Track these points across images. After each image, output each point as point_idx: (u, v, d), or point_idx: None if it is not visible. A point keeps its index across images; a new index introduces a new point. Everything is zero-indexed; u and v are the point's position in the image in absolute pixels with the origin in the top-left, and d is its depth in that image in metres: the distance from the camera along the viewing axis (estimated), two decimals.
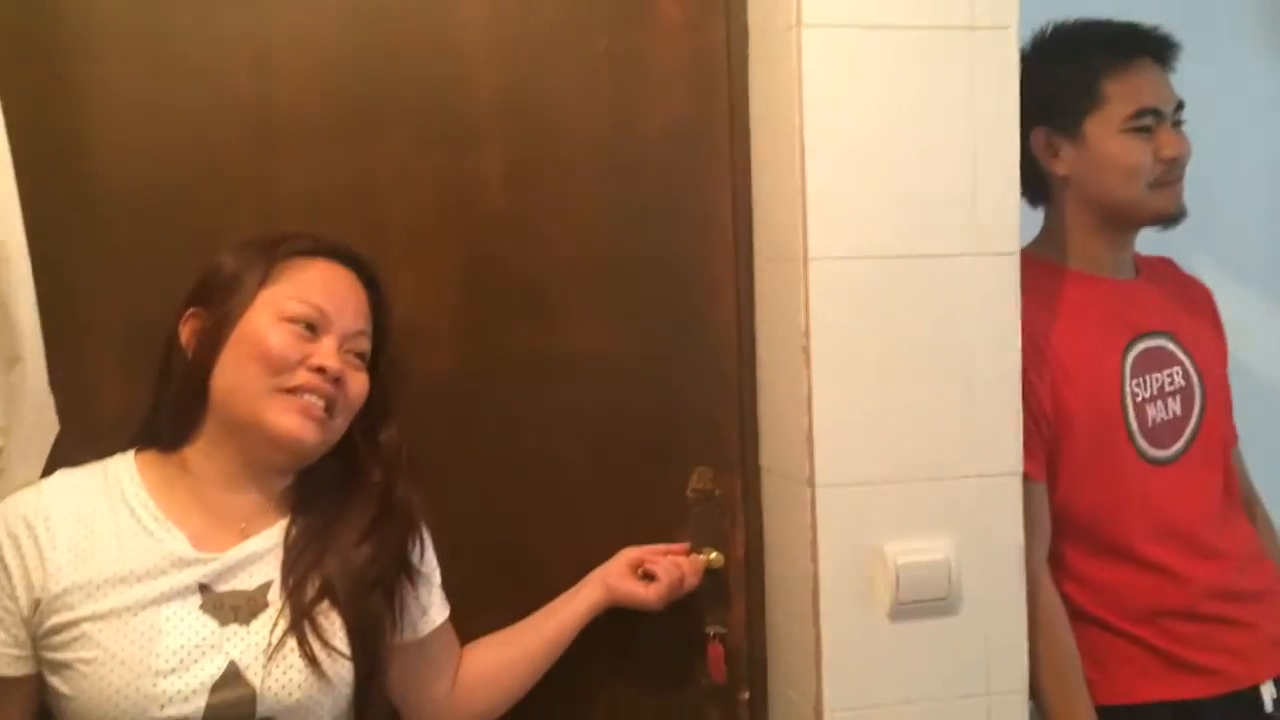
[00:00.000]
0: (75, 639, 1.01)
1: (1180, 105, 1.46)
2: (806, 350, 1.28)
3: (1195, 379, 1.48)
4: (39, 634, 1.03)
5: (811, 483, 1.29)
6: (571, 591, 1.33)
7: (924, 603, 1.29)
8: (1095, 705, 1.39)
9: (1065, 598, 1.42)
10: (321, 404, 1.10)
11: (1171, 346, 1.48)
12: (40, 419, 1.14)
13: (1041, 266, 1.46)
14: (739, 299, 1.45)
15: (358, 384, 1.14)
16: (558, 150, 1.40)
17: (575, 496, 1.41)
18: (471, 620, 1.30)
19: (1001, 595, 1.32)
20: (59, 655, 1.02)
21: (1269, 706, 1.41)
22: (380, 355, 1.20)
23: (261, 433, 1.08)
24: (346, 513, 1.14)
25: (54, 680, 1.03)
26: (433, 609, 1.22)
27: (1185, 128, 1.47)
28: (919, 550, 1.29)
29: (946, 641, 1.31)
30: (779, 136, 1.34)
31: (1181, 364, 1.48)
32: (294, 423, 1.08)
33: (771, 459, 1.43)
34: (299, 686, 1.04)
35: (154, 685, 1.00)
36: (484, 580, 1.35)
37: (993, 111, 1.31)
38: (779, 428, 1.40)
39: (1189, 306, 1.56)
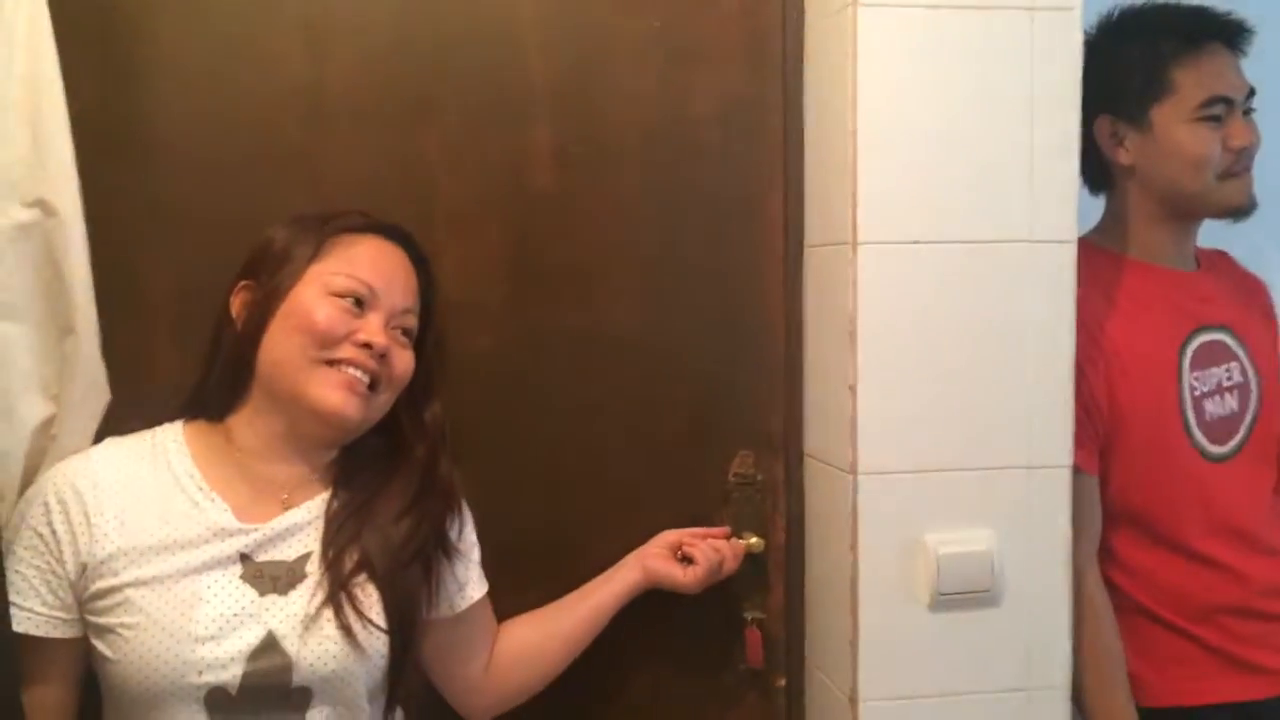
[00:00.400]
0: (119, 604, 1.04)
1: (1252, 93, 1.41)
2: (853, 336, 1.27)
3: (1252, 374, 1.44)
4: (84, 598, 1.06)
5: (854, 469, 1.27)
6: (609, 572, 1.34)
7: (965, 594, 1.27)
8: (1148, 707, 1.37)
9: (1118, 590, 1.39)
10: (366, 379, 1.11)
11: (1230, 341, 1.44)
12: (92, 387, 1.16)
13: (1101, 255, 1.42)
14: (787, 284, 1.44)
15: (403, 361, 1.15)
16: (607, 133, 1.39)
17: (616, 478, 1.41)
18: (510, 599, 1.31)
19: (1046, 589, 1.30)
20: (103, 619, 1.05)
21: None
22: (426, 333, 1.21)
23: (305, 405, 1.10)
24: (388, 488, 1.15)
25: (98, 644, 1.05)
26: (470, 586, 1.22)
27: (1256, 117, 1.43)
28: (961, 541, 1.27)
29: (987, 634, 1.29)
30: (832, 119, 1.32)
31: (1239, 359, 1.44)
32: (338, 397, 1.09)
33: (815, 445, 1.41)
34: (334, 657, 1.06)
35: (193, 651, 1.02)
36: (523, 559, 1.36)
37: (1054, 96, 1.28)
38: (823, 414, 1.38)
39: (1246, 300, 1.52)
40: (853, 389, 1.27)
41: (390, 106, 1.34)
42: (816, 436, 1.41)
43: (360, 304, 1.12)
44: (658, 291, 1.41)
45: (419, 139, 1.35)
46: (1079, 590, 1.34)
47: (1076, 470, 1.32)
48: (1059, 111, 1.28)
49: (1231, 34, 1.40)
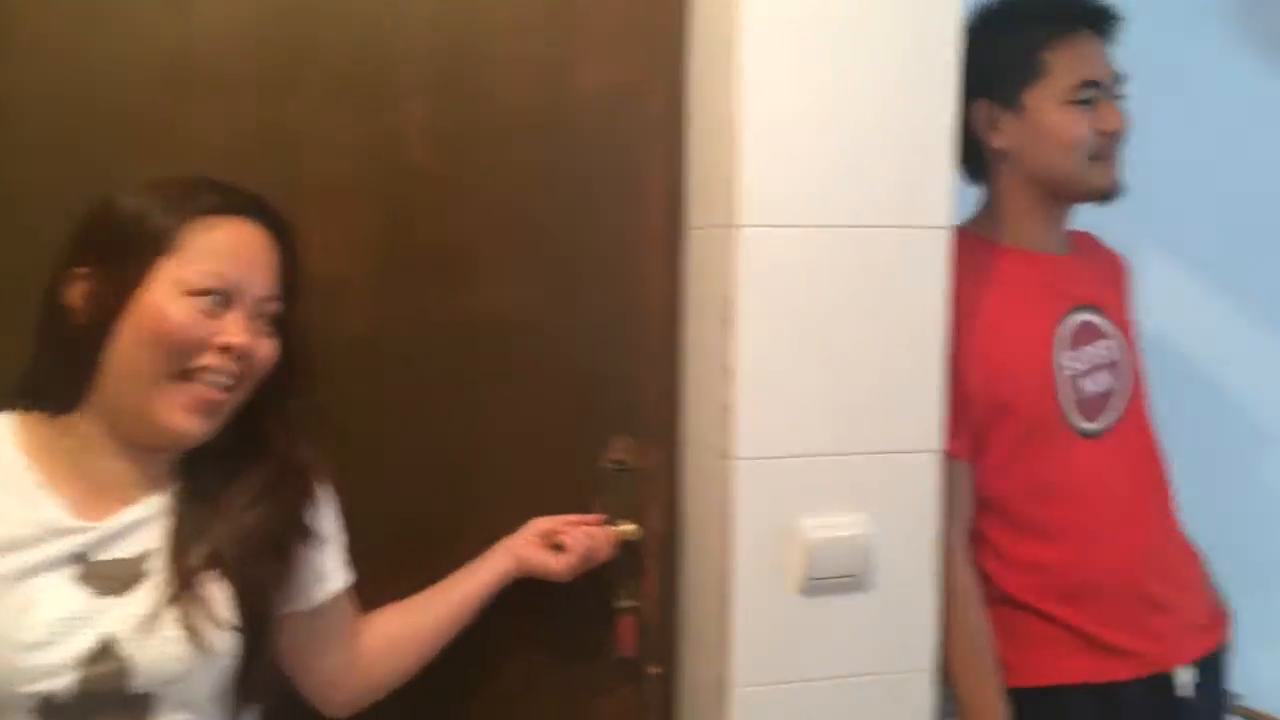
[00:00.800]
0: None
1: (1119, 79, 1.43)
2: (731, 320, 1.26)
3: (1124, 350, 1.47)
4: None
5: (730, 455, 1.26)
6: (479, 561, 1.30)
7: (836, 579, 1.27)
8: (1012, 688, 1.39)
9: (989, 579, 1.41)
10: (225, 385, 1.04)
11: (1101, 320, 1.47)
12: None
13: (977, 242, 1.44)
14: (668, 266, 1.42)
15: (265, 350, 1.08)
16: (485, 108, 1.34)
17: (490, 465, 1.37)
18: (378, 590, 1.26)
19: (915, 574, 1.32)
20: None
21: (1182, 690, 1.41)
22: (289, 315, 1.13)
23: (146, 424, 1.02)
24: (240, 476, 1.09)
25: None
26: (329, 577, 1.17)
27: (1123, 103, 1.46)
28: (834, 526, 1.27)
29: (857, 619, 1.30)
30: (715, 101, 1.30)
31: (1111, 337, 1.47)
32: (180, 419, 1.02)
33: (693, 431, 1.40)
34: (177, 659, 1.00)
35: (23, 660, 0.95)
36: (393, 549, 1.31)
37: (932, 81, 1.28)
38: (701, 399, 1.37)
39: (1111, 278, 1.56)
40: (730, 373, 1.26)
41: (258, 74, 1.27)
42: (695, 423, 1.39)
43: (220, 301, 1.03)
44: (535, 273, 1.38)
45: (286, 107, 1.28)
46: (949, 574, 1.36)
47: (950, 456, 1.33)
48: (937, 96, 1.28)
49: (1101, 20, 1.43)
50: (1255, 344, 2.01)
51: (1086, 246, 1.56)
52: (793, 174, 1.25)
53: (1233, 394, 2.00)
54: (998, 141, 1.45)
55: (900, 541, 1.31)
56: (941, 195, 1.30)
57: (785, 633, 1.28)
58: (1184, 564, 1.48)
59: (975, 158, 1.47)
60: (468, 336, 1.36)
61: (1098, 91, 1.41)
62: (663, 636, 1.43)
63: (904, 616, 1.31)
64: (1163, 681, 1.40)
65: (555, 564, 1.30)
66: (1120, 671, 1.38)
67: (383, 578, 1.27)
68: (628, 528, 1.39)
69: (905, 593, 1.31)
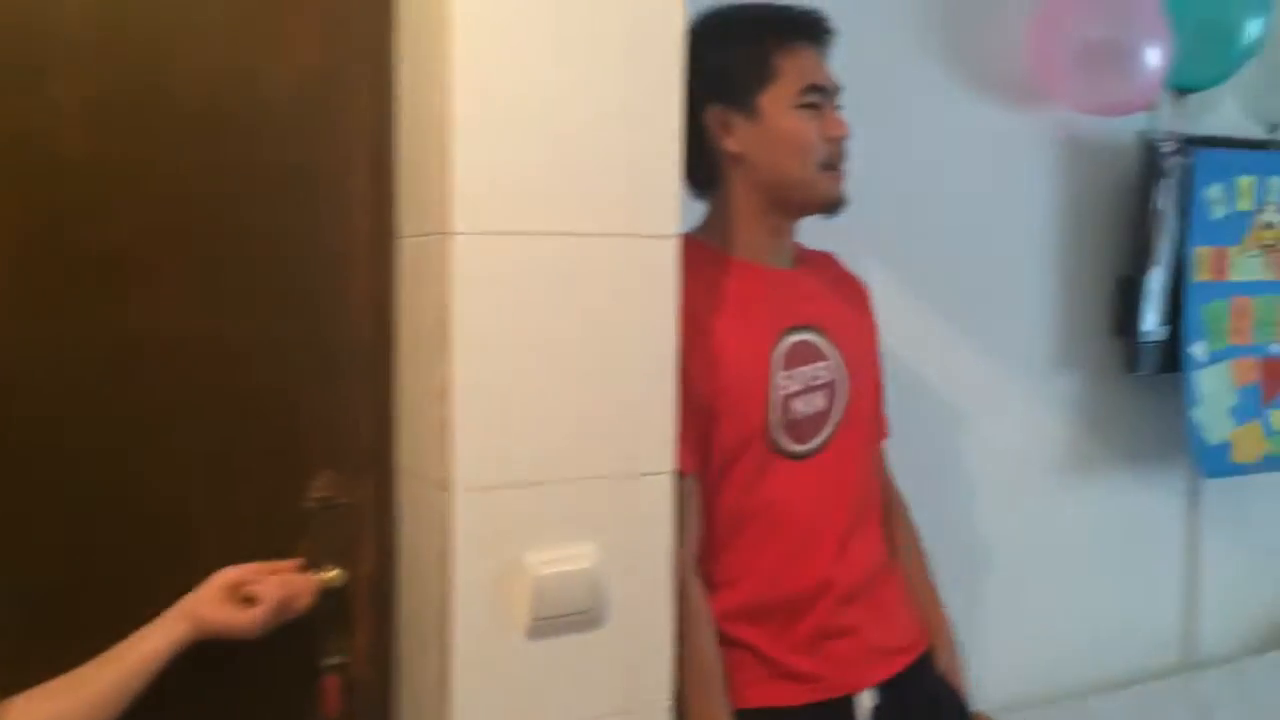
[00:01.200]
0: None
1: (838, 89, 1.44)
2: (447, 337, 1.14)
3: (843, 374, 1.46)
4: None
5: (449, 486, 1.14)
6: (148, 628, 1.11)
7: (566, 617, 1.17)
8: None
9: None
10: None
11: (821, 340, 1.46)
12: None
13: (704, 251, 1.40)
14: (376, 278, 1.28)
15: None
16: (156, 93, 1.17)
17: (166, 511, 1.18)
18: (12, 671, 1.05)
19: (650, 605, 1.24)
20: None
21: (862, 716, 1.40)
22: None
23: None
24: None
25: None
26: None
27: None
28: (563, 559, 1.18)
29: (589, 657, 1.20)
30: (425, 98, 1.19)
31: (830, 358, 1.46)
32: None
33: (408, 461, 1.27)
34: None
35: None
36: (34, 618, 1.10)
37: (657, 82, 1.22)
38: (417, 426, 1.24)
39: (846, 300, 1.55)
40: (447, 395, 1.14)
41: None
42: (411, 451, 1.26)
43: None
44: (216, 286, 1.20)
45: None
46: (681, 599, 1.29)
47: (678, 473, 1.27)
48: (661, 97, 1.23)
49: (817, 33, 1.44)
50: (973, 365, 2.10)
51: (821, 266, 1.55)
52: (510, 178, 1.16)
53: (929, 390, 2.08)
54: (731, 146, 1.42)
55: (634, 571, 1.23)
56: (669, 202, 1.24)
57: (512, 680, 1.16)
58: (883, 586, 1.48)
59: (705, 166, 1.43)
60: (137, 360, 1.17)
61: (822, 97, 1.41)
62: (375, 695, 1.28)
63: (639, 650, 1.23)
64: (844, 705, 1.39)
65: (242, 619, 1.12)
66: (799, 696, 1.37)
67: (17, 658, 1.06)
68: (331, 574, 1.23)
69: (640, 625, 1.23)
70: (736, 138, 1.41)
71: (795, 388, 1.41)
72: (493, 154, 1.15)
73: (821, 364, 1.44)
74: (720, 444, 1.36)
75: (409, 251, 1.26)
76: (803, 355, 1.43)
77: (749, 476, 1.37)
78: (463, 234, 1.14)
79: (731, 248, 1.44)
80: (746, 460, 1.37)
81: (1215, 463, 2.18)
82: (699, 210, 1.47)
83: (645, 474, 1.23)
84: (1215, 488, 2.31)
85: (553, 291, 1.18)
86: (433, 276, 1.17)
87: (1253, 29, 2.03)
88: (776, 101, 1.40)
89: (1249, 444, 2.21)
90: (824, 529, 1.41)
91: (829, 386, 1.44)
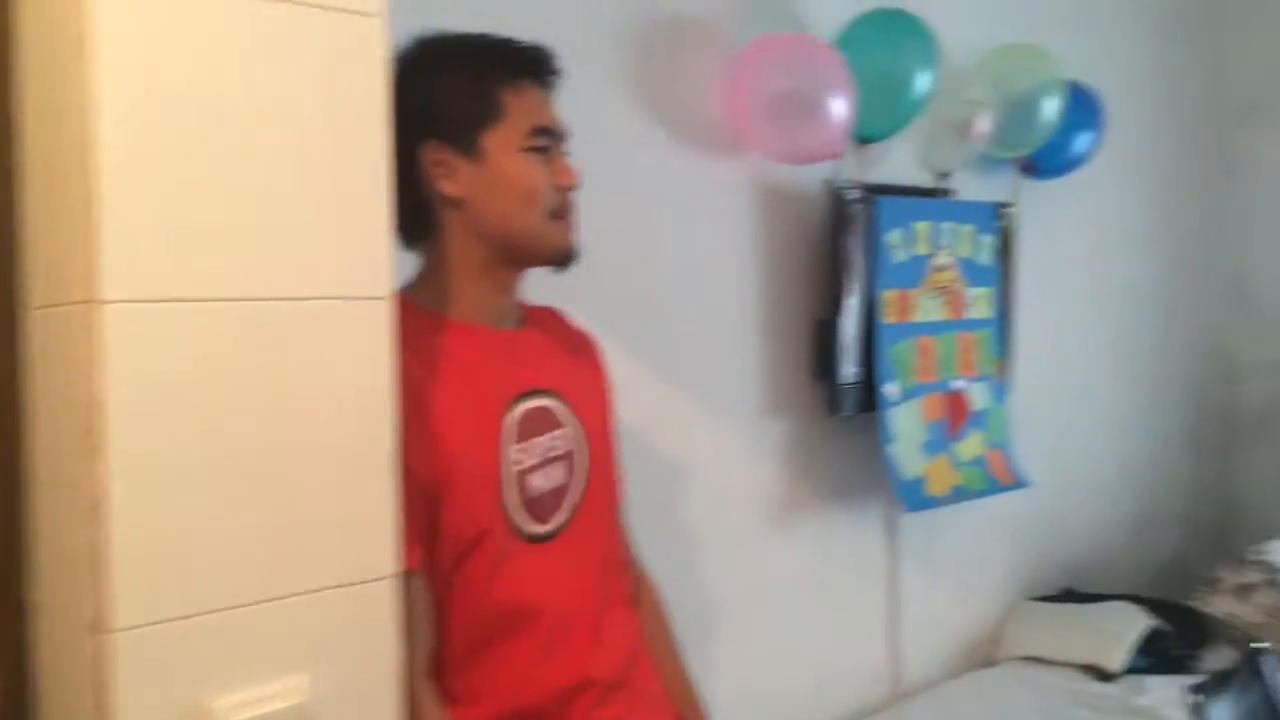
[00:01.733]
0: None
1: (566, 135, 1.32)
2: (99, 432, 0.91)
3: (582, 441, 1.34)
4: None
5: (105, 627, 0.90)
6: None
7: None
8: None
9: None
10: None
11: (557, 405, 1.32)
12: None
13: (417, 313, 1.21)
14: None
15: None
16: None
17: None
18: None
19: None
20: None
21: None
22: None
23: None
24: None
25: None
26: None
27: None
28: (263, 700, 0.97)
29: None
30: (61, 137, 0.96)
31: (567, 425, 1.32)
32: None
33: (49, 595, 1.00)
34: None
35: None
36: None
37: (359, 114, 1.05)
38: (60, 549, 0.98)
39: (574, 359, 1.42)
40: (100, 509, 0.90)
41: None
42: (50, 583, 1.00)
43: None
44: None
45: None
46: (414, 714, 1.11)
47: (406, 571, 1.09)
48: (365, 133, 1.06)
49: (544, 73, 1.31)
50: (689, 414, 2.05)
51: (549, 323, 1.41)
52: (180, 235, 0.95)
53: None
54: (449, 189, 1.24)
55: (356, 699, 1.03)
56: (378, 258, 1.07)
57: None
58: (640, 671, 1.37)
59: (417, 212, 1.25)
60: None
61: (550, 140, 1.28)
62: None
63: None
64: None
65: None
66: None
67: None
68: None
69: None
70: (455, 180, 1.25)
71: (531, 461, 1.26)
72: (157, 205, 0.94)
73: (558, 432, 1.30)
74: (450, 534, 1.19)
75: (44, 326, 1.00)
76: (537, 424, 1.28)
77: (487, 569, 1.21)
78: (116, 303, 0.91)
79: (449, 307, 1.27)
80: (483, 550, 1.21)
81: (913, 497, 2.27)
82: (409, 262, 1.29)
83: (362, 581, 1.04)
84: (910, 521, 2.41)
85: (239, 370, 0.98)
86: (77, 358, 0.93)
87: (922, 83, 2.15)
88: (501, 142, 1.25)
89: (940, 477, 2.32)
90: (575, 619, 1.27)
91: (568, 457, 1.30)
